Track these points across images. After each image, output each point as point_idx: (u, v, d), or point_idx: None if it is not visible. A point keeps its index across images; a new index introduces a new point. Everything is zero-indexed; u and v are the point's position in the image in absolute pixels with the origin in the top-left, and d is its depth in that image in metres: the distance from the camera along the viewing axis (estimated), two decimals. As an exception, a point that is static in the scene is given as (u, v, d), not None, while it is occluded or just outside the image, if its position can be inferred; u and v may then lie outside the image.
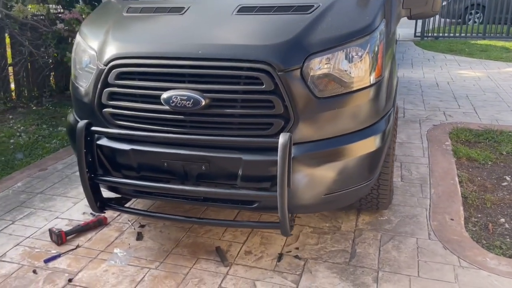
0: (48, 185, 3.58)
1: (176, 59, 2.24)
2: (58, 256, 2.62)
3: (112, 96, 2.38)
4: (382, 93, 2.37)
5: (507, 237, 2.77)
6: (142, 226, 2.94)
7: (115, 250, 2.67)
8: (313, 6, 2.35)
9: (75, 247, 2.71)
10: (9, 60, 5.89)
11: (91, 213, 3.10)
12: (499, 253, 2.60)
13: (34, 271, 2.48)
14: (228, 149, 2.23)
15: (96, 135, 2.41)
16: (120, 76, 2.34)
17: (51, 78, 6.42)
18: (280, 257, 2.58)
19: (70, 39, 5.41)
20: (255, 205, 2.30)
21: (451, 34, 11.76)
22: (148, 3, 2.76)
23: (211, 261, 2.56)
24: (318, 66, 2.18)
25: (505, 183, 3.45)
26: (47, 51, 5.06)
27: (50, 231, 2.79)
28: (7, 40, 5.86)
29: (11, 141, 4.61)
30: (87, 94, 2.50)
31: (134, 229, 2.91)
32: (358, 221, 2.93)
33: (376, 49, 2.31)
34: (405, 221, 2.91)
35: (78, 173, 3.72)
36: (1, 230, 2.92)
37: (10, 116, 5.46)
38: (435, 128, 4.66)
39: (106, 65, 2.36)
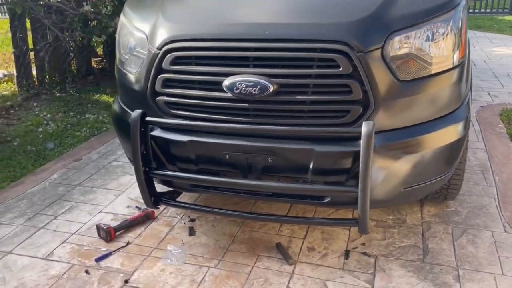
0: (85, 177, 3.42)
1: (239, 41, 2.03)
2: (110, 254, 2.47)
3: (167, 83, 2.18)
4: (464, 75, 2.15)
5: None
6: (192, 220, 2.78)
7: (169, 247, 2.51)
8: None
9: (125, 244, 2.55)
10: (30, 45, 5.71)
11: (136, 207, 2.94)
12: None
13: (87, 271, 2.33)
14: (298, 139, 2.03)
15: (150, 125, 2.22)
16: (176, 61, 2.13)
17: (72, 63, 6.23)
18: (347, 254, 2.40)
19: (96, 22, 5.19)
20: (327, 200, 2.11)
21: (476, 10, 11.35)
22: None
23: (273, 259, 2.39)
24: (400, 45, 1.96)
25: None
26: (73, 35, 4.85)
27: (98, 227, 2.63)
28: (28, 25, 5.66)
29: (39, 129, 4.45)
30: (137, 81, 2.30)
31: (185, 223, 2.74)
32: (424, 213, 2.73)
33: (460, 24, 2.07)
34: (474, 212, 2.71)
35: (115, 164, 3.62)
36: (45, 226, 2.77)
37: (35, 104, 5.29)
38: (483, 109, 4.41)
39: (159, 49, 2.15)
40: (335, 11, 2.02)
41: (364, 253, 2.40)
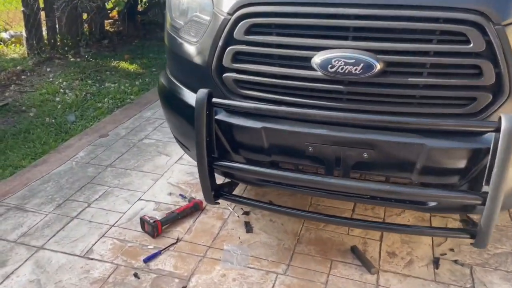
0: (116, 156, 3.05)
1: (338, 6, 1.61)
2: (159, 253, 2.13)
3: (239, 57, 1.78)
4: None
5: None
6: (246, 213, 2.43)
7: (226, 247, 2.17)
8: None
9: (175, 240, 2.22)
10: (41, 4, 5.22)
11: (180, 195, 2.59)
12: None
13: (136, 275, 2.00)
14: (406, 131, 1.65)
15: (214, 108, 1.83)
16: (251, 30, 1.72)
17: (85, 26, 5.75)
18: (436, 262, 2.07)
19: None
20: (432, 205, 1.75)
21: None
22: None
23: (350, 266, 2.06)
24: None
25: None
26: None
27: (142, 220, 2.28)
28: (38, -19, 5.16)
29: (57, 99, 4.05)
30: (198, 52, 1.90)
31: (238, 217, 2.40)
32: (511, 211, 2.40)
33: None
34: None
35: (147, 141, 3.25)
36: (78, 215, 2.42)
37: (48, 69, 4.86)
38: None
39: (231, 14, 1.74)
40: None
41: (456, 262, 2.07)
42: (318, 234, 2.26)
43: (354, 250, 2.13)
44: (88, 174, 2.84)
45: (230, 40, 1.77)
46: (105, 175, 2.82)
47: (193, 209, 2.41)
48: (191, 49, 1.95)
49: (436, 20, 1.53)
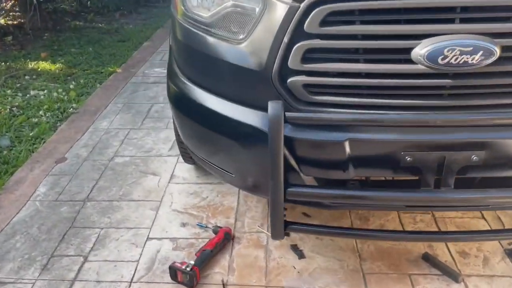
0: (89, 185, 2.45)
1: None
2: (211, 310, 1.70)
3: (311, 55, 1.38)
4: None
5: None
6: (286, 234, 2.06)
7: (286, 283, 1.80)
8: None
9: (221, 287, 1.79)
10: None
11: (198, 224, 2.13)
12: None
13: None
14: (523, 127, 1.42)
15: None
16: (328, 20, 1.33)
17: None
18: (510, 254, 1.92)
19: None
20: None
21: None
22: None
23: (431, 277, 1.82)
24: None
25: None
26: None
27: (173, 268, 1.80)
28: None
29: (-26, 118, 3.20)
30: (247, 53, 1.46)
31: (279, 240, 2.03)
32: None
33: None
34: None
35: (120, 160, 2.64)
36: (77, 276, 1.86)
37: None
38: None
39: (300, 1, 1.33)
40: None
41: (527, 250, 1.95)
42: (377, 246, 1.98)
43: (426, 257, 1.90)
44: (64, 215, 2.23)
45: (299, 34, 1.36)
46: (87, 213, 2.24)
47: (225, 241, 1.99)
48: (231, 49, 1.50)
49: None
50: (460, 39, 1.29)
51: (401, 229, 2.07)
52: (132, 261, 1.93)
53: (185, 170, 2.56)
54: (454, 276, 1.81)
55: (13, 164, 2.68)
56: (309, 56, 1.39)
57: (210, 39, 1.55)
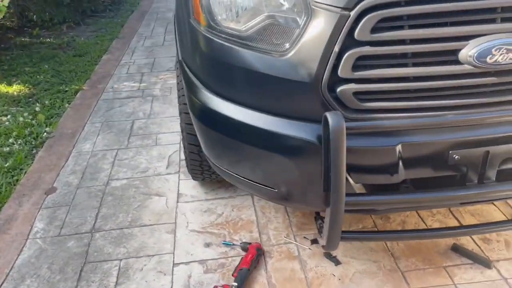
0: (92, 214, 2.28)
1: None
2: (266, 331, 1.64)
3: (361, 62, 1.37)
4: None
5: None
6: (314, 241, 2.05)
7: (332, 292, 1.79)
8: None
9: (269, 306, 1.74)
10: None
11: (223, 243, 2.05)
12: None
13: None
14: None
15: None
16: (378, 27, 1.33)
17: None
18: (531, 235, 2.04)
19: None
20: None
21: None
22: None
23: (464, 267, 1.88)
24: None
25: None
26: None
27: (216, 293, 1.73)
28: None
29: None
30: (294, 64, 1.42)
31: (310, 249, 2.01)
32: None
33: None
34: None
35: (117, 184, 2.52)
36: (111, 316, 1.72)
37: None
38: None
39: (350, 8, 1.32)
40: None
41: (541, 229, 2.07)
42: (406, 243, 2.02)
43: (456, 248, 1.96)
44: (73, 251, 2.06)
45: (349, 42, 1.35)
46: (98, 245, 2.09)
47: (259, 257, 1.93)
48: (273, 61, 1.45)
49: None
50: (505, 38, 1.35)
51: (422, 223, 2.13)
52: (165, 292, 1.83)
53: (190, 187, 2.46)
54: (485, 263, 1.88)
55: (-4, 200, 2.44)
56: (359, 63, 1.38)
57: (247, 53, 1.49)
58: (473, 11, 1.35)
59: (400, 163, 1.48)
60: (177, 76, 2.22)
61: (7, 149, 2.93)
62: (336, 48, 1.36)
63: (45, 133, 3.09)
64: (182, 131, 2.20)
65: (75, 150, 2.88)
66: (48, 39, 5.07)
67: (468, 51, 1.35)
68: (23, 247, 2.10)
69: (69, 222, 2.25)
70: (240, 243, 2.02)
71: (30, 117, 3.31)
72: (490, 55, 1.34)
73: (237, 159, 1.70)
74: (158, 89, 3.69)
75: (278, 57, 1.45)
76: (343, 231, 1.57)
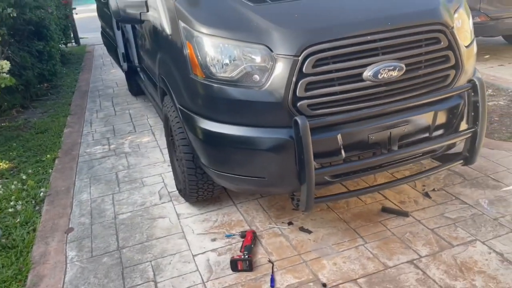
0: (112, 241, 2.85)
1: (370, 35, 2.33)
2: (272, 278, 2.35)
3: (309, 86, 2.28)
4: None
5: (501, 132, 3.92)
6: (290, 223, 2.83)
7: (310, 249, 2.56)
8: None
9: (271, 264, 2.45)
10: None
11: (226, 235, 2.76)
12: None
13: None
14: (423, 106, 2.50)
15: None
16: (316, 63, 2.27)
17: None
18: (427, 194, 3.01)
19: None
20: (439, 151, 2.66)
21: None
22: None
23: (392, 219, 2.78)
24: (458, 21, 2.66)
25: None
26: None
27: (234, 260, 2.43)
28: None
29: None
30: (268, 92, 2.28)
31: (289, 227, 2.78)
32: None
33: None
34: None
35: (124, 216, 3.07)
36: (160, 292, 2.32)
37: None
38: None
39: (298, 55, 2.24)
40: (421, 0, 2.57)
41: (433, 190, 3.06)
42: (351, 213, 2.89)
43: (385, 209, 2.87)
44: (109, 263, 2.62)
45: (301, 75, 2.26)
46: (128, 256, 2.67)
47: (255, 237, 2.66)
48: (255, 92, 2.31)
49: (426, 31, 2.43)
50: (388, 63, 2.34)
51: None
52: (194, 271, 2.47)
53: (185, 208, 3.14)
54: (405, 214, 2.80)
55: (23, 245, 2.89)
56: (308, 87, 2.28)
57: (237, 90, 2.34)
58: (367, 50, 2.34)
59: (341, 146, 2.37)
60: (168, 123, 2.98)
61: (11, 210, 3.37)
62: (294, 79, 2.25)
63: (41, 193, 3.58)
64: (179, 160, 2.92)
65: (76, 200, 3.42)
66: (3, 124, 5.48)
67: (368, 73, 2.32)
68: (66, 269, 2.61)
69: (96, 247, 2.80)
70: (239, 232, 2.74)
71: (20, 184, 3.76)
72: (379, 74, 2.33)
73: (236, 162, 2.47)
74: (127, 147, 4.34)
75: (258, 90, 2.31)
76: (317, 197, 2.40)
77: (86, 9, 17.95)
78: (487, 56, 6.55)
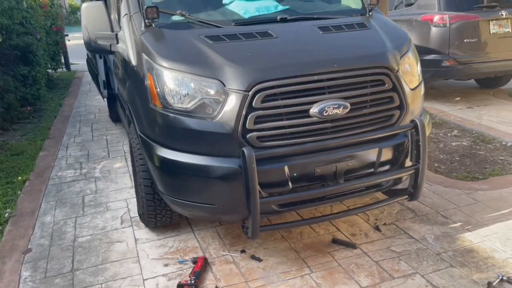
0: (67, 263, 2.91)
1: (317, 75, 2.51)
2: (219, 301, 2.42)
3: (258, 119, 2.43)
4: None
5: (459, 171, 4.08)
6: (243, 251, 2.92)
7: (258, 276, 2.64)
8: (364, 24, 3.00)
9: (218, 289, 2.53)
10: None
11: (178, 261, 2.83)
12: (469, 180, 3.86)
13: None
14: (368, 143, 2.65)
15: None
16: (265, 99, 2.42)
17: None
18: (377, 228, 3.12)
19: None
20: (385, 185, 2.79)
21: None
22: (213, 31, 2.77)
23: (341, 250, 2.88)
24: (404, 65, 2.85)
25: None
26: None
27: (181, 285, 2.49)
28: None
29: None
30: (220, 123, 2.43)
31: (241, 255, 2.86)
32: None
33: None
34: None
35: (83, 239, 3.15)
36: (105, 314, 2.38)
37: None
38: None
39: (248, 90, 2.40)
40: (369, 45, 2.77)
41: (384, 224, 3.18)
42: (303, 243, 2.98)
43: (335, 240, 2.97)
44: (61, 284, 2.68)
45: (250, 108, 2.41)
46: (80, 278, 2.72)
47: (206, 264, 2.74)
48: (208, 123, 2.45)
49: (371, 74, 2.62)
50: (333, 101, 2.50)
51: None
52: (142, 296, 2.54)
53: (144, 233, 3.21)
54: (353, 246, 2.91)
55: (-22, 265, 2.94)
56: (257, 120, 2.43)
57: (191, 120, 2.48)
58: (314, 89, 2.51)
59: (288, 178, 2.50)
60: (133, 149, 3.10)
61: (-28, 229, 3.42)
62: (244, 112, 2.40)
63: (6, 214, 3.64)
64: (139, 186, 3.02)
65: (39, 222, 3.48)
66: (-20, 144, 5.56)
67: (314, 110, 2.48)
68: (18, 289, 2.66)
69: (50, 268, 2.85)
70: (191, 258, 2.82)
71: (-9, 204, 3.83)
72: (325, 111, 2.48)
73: (188, 189, 2.58)
74: (98, 172, 4.43)
75: (210, 120, 2.45)
76: (262, 225, 2.51)
77: (80, 36, 18.31)
78: (457, 98, 6.82)
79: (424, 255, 2.80)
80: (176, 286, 2.55)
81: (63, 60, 11.24)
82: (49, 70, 9.47)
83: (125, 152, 4.99)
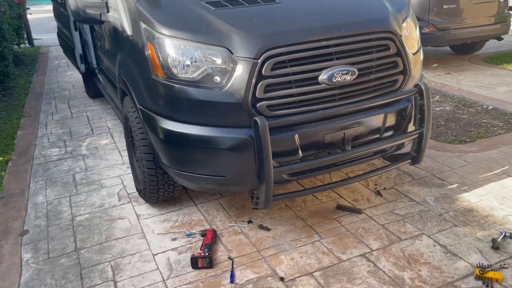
0: (69, 243, 2.82)
1: (325, 40, 2.46)
2: (232, 271, 2.41)
3: (268, 87, 2.37)
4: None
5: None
6: (250, 221, 2.91)
7: (269, 245, 2.65)
8: None
9: (231, 260, 2.51)
10: None
11: (186, 234, 2.79)
12: (458, 143, 3.97)
13: (242, 291, 2.27)
14: (373, 109, 2.65)
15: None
16: (274, 66, 2.36)
17: None
18: (378, 193, 3.17)
19: None
20: (389, 151, 2.82)
21: None
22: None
23: (346, 216, 2.92)
24: (405, 30, 2.84)
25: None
26: None
27: (195, 258, 2.47)
28: None
29: None
30: (229, 93, 2.36)
31: (249, 226, 2.85)
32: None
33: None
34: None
35: (82, 218, 3.05)
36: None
37: None
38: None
39: (257, 58, 2.33)
40: (373, 9, 2.73)
41: (384, 189, 3.23)
42: (308, 211, 3.00)
43: (339, 207, 3.00)
44: (67, 264, 2.59)
45: (260, 77, 2.35)
46: (87, 257, 2.65)
47: (215, 234, 2.72)
48: (217, 93, 2.37)
49: (376, 39, 2.59)
50: (341, 67, 2.47)
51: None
52: (154, 270, 2.50)
53: (145, 209, 3.14)
54: (358, 211, 2.95)
55: (-27, 249, 2.81)
56: (267, 89, 2.37)
57: (198, 90, 2.39)
58: (322, 55, 2.47)
59: (299, 146, 2.48)
60: (128, 124, 2.98)
61: (-39, 213, 3.25)
62: (254, 81, 2.34)
63: (-4, 196, 3.48)
64: (139, 161, 2.93)
65: (30, 202, 3.34)
66: (-50, 125, 5.25)
67: (323, 76, 2.44)
68: (21, 271, 2.56)
69: (53, 249, 2.76)
70: (199, 231, 2.78)
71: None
72: (334, 77, 2.45)
73: (197, 162, 2.52)
74: (85, 150, 4.28)
75: (218, 90, 2.37)
76: (275, 195, 2.49)
77: (40, 10, 17.46)
78: (435, 65, 6.94)
79: (427, 217, 2.87)
80: (188, 259, 2.53)
81: (26, 35, 10.68)
82: (14, 46, 8.98)
83: (109, 129, 4.83)
